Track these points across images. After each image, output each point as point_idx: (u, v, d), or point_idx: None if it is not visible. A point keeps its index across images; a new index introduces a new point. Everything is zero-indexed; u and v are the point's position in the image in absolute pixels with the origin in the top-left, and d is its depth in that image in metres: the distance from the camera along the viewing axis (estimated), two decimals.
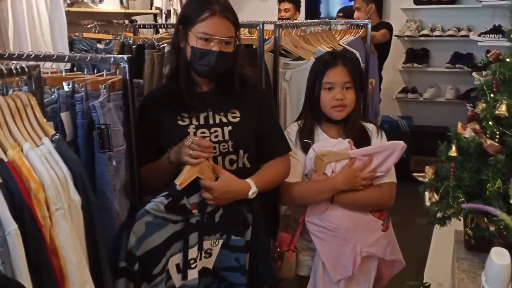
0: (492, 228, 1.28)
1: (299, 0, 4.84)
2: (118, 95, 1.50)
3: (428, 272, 2.15)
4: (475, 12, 4.84)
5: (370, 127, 1.91)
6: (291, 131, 1.93)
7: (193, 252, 1.58)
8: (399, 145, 1.74)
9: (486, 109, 1.36)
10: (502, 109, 1.33)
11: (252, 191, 1.66)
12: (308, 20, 3.27)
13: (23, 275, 0.99)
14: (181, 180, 1.54)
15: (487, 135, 1.34)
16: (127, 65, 1.50)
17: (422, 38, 5.01)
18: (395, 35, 5.11)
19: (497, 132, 1.33)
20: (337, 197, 1.77)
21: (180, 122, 1.70)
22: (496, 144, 1.31)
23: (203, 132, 1.70)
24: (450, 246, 1.65)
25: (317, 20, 3.46)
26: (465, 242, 1.47)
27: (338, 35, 3.64)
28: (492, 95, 1.36)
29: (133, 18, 4.53)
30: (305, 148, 1.86)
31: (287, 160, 1.82)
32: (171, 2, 4.66)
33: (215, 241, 1.63)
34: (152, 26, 2.71)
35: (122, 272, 1.46)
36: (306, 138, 1.87)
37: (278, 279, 1.88)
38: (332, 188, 1.77)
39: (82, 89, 1.42)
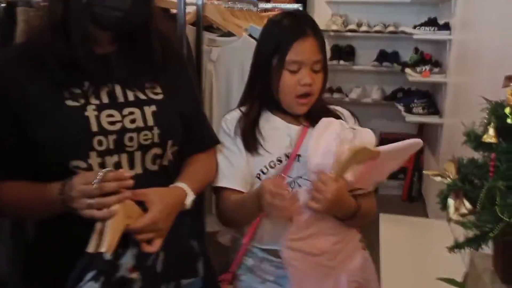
0: None
1: None
2: None
3: None
4: (402, 9, 4.63)
5: (343, 111, 1.43)
6: (230, 118, 1.38)
7: None
8: (419, 144, 1.26)
9: None
10: None
11: (190, 199, 1.15)
12: None
13: None
14: (108, 244, 0.97)
15: None
16: None
17: (349, 34, 4.69)
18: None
19: None
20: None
21: (69, 103, 1.10)
22: None
23: (111, 115, 1.12)
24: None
25: None
26: (500, 271, 1.00)
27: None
28: None
29: None
30: (250, 143, 1.32)
31: (215, 155, 1.35)
32: None
33: None
34: None
35: None
36: (252, 128, 1.33)
37: None
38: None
39: None
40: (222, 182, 1.32)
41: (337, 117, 1.37)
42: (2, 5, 1.76)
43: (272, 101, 1.36)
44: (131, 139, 1.13)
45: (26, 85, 1.09)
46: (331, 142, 1.19)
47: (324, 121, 1.26)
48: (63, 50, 1.09)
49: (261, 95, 1.36)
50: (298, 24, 1.32)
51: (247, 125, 1.35)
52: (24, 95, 1.08)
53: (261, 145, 1.32)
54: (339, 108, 1.43)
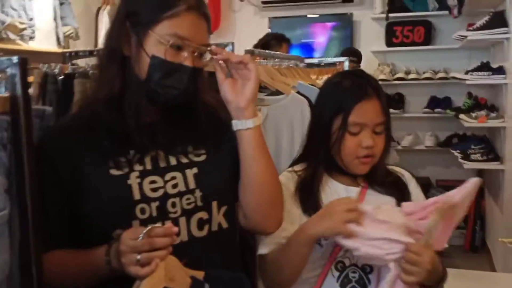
0: None
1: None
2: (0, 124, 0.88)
3: None
4: (450, 54, 4.55)
5: (403, 172, 1.36)
6: (285, 181, 1.32)
7: None
8: (478, 182, 1.16)
9: None
10: None
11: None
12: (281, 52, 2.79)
13: None
14: None
15: None
16: (18, 71, 0.89)
17: (397, 82, 4.63)
18: None
19: None
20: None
21: (114, 172, 1.09)
22: None
23: (154, 181, 1.10)
24: None
25: (291, 55, 2.99)
26: None
27: (313, 75, 3.19)
28: None
29: (74, 62, 3.91)
30: (309, 207, 1.27)
31: None
32: None
33: None
34: (89, 54, 2.11)
35: None
36: (313, 192, 1.28)
37: None
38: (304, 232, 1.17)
39: None
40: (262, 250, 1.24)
41: (398, 178, 1.32)
42: (60, 77, 1.86)
43: (330, 163, 1.32)
44: (173, 204, 1.09)
45: (76, 155, 1.10)
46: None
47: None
48: (116, 122, 1.10)
49: (321, 157, 1.31)
50: (360, 85, 1.27)
51: (307, 188, 1.29)
52: (74, 165, 1.09)
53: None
54: (398, 169, 1.36)
